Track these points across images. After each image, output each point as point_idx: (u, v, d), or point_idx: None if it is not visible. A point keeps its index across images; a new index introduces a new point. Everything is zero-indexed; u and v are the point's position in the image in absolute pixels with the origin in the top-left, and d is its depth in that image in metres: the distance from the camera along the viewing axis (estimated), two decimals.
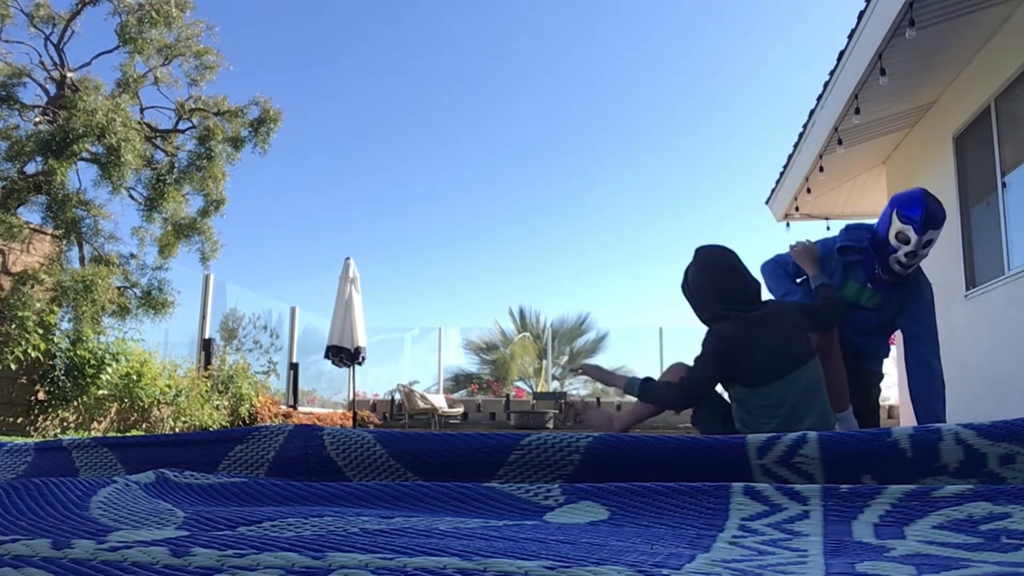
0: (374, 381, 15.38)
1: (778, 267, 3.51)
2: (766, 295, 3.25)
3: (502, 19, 26.32)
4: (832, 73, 6.63)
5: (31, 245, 7.29)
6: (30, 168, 7.53)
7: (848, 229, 3.37)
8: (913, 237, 3.06)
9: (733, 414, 2.87)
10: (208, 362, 8.95)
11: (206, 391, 8.38)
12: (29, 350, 6.51)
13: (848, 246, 3.25)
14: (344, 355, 9.36)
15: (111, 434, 7.12)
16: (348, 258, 9.83)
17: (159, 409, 7.99)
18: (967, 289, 6.57)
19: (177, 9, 8.28)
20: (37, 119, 7.78)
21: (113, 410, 7.55)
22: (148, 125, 8.75)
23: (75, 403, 7.06)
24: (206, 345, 9.14)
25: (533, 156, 27.64)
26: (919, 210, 3.08)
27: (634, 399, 3.03)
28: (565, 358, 16.22)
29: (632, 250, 27.20)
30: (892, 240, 3.09)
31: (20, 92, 7.82)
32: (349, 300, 9.46)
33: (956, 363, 6.91)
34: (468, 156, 27.05)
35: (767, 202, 9.85)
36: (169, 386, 7.89)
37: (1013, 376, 5.72)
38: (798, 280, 3.49)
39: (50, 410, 6.93)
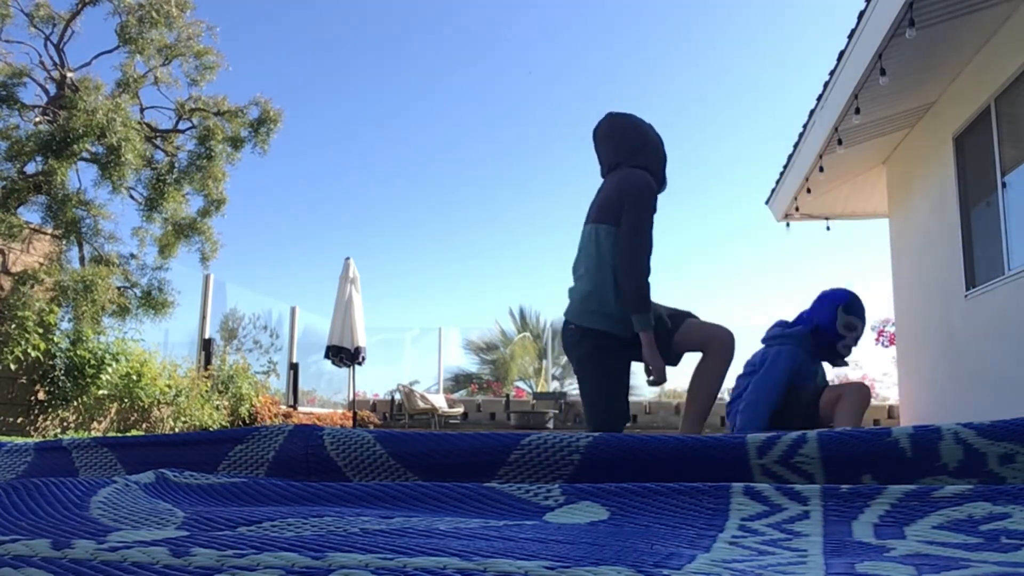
0: (374, 381, 15.38)
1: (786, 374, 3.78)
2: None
3: (504, 14, 26.32)
4: (832, 73, 6.63)
5: (31, 245, 7.29)
6: (30, 168, 7.53)
7: (789, 336, 3.85)
8: (860, 326, 3.84)
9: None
10: (208, 362, 8.95)
11: (206, 391, 8.38)
12: (29, 350, 6.50)
13: (808, 332, 3.85)
14: (344, 355, 9.37)
15: (111, 434, 7.12)
16: (348, 258, 9.84)
17: (159, 409, 7.99)
18: (967, 289, 6.57)
19: (177, 9, 8.28)
20: (37, 119, 7.78)
21: (113, 410, 7.55)
22: (148, 125, 8.75)
23: (75, 403, 7.05)
24: (206, 345, 9.13)
25: (534, 155, 27.65)
26: (861, 307, 3.85)
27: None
28: (565, 358, 16.22)
29: None
30: (840, 330, 3.78)
31: (20, 92, 7.83)
32: (349, 300, 9.46)
33: (956, 363, 6.91)
34: (469, 156, 27.05)
35: (767, 202, 9.86)
36: (169, 386, 7.89)
37: (1013, 376, 5.73)
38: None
39: (50, 410, 6.93)
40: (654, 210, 2.93)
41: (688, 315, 3.08)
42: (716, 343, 2.96)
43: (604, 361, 2.94)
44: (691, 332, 2.99)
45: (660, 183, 3.09)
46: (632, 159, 3.06)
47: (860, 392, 3.68)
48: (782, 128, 30.16)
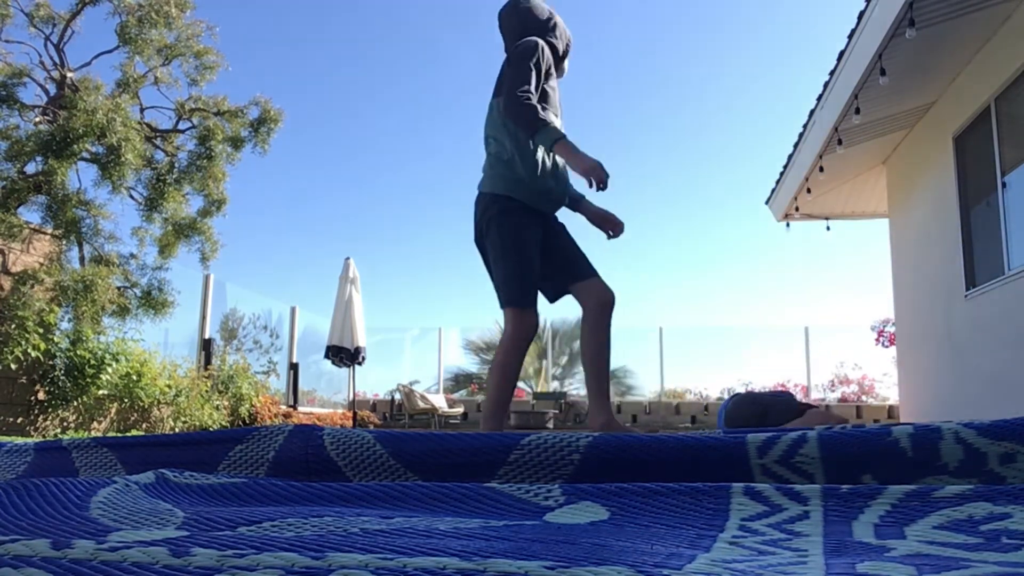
0: (374, 381, 15.38)
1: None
2: None
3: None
4: (832, 73, 6.63)
5: (31, 245, 7.29)
6: (30, 168, 7.53)
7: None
8: None
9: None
10: (208, 362, 8.95)
11: (206, 391, 8.38)
12: (29, 350, 6.51)
13: None
14: (344, 355, 9.37)
15: (111, 434, 7.12)
16: (348, 258, 9.84)
17: (159, 409, 7.99)
18: (967, 289, 6.57)
19: (177, 9, 8.28)
20: (37, 119, 7.78)
21: (113, 410, 7.55)
22: (148, 125, 8.75)
23: (75, 403, 7.05)
24: (206, 345, 9.14)
25: None
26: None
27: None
28: (565, 358, 16.21)
29: (632, 250, 27.19)
30: None
31: (20, 92, 7.83)
32: (349, 300, 9.46)
33: (956, 363, 6.91)
34: (469, 155, 27.07)
35: (767, 202, 9.86)
36: (169, 386, 7.89)
37: (1013, 376, 5.73)
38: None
39: (50, 410, 6.93)
40: (538, 58, 2.88)
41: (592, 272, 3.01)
42: (593, 300, 2.92)
43: (510, 225, 2.83)
44: (595, 279, 2.98)
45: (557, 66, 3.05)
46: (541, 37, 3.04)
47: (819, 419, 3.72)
48: (782, 128, 30.14)
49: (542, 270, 2.91)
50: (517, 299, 2.83)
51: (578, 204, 3.16)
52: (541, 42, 2.94)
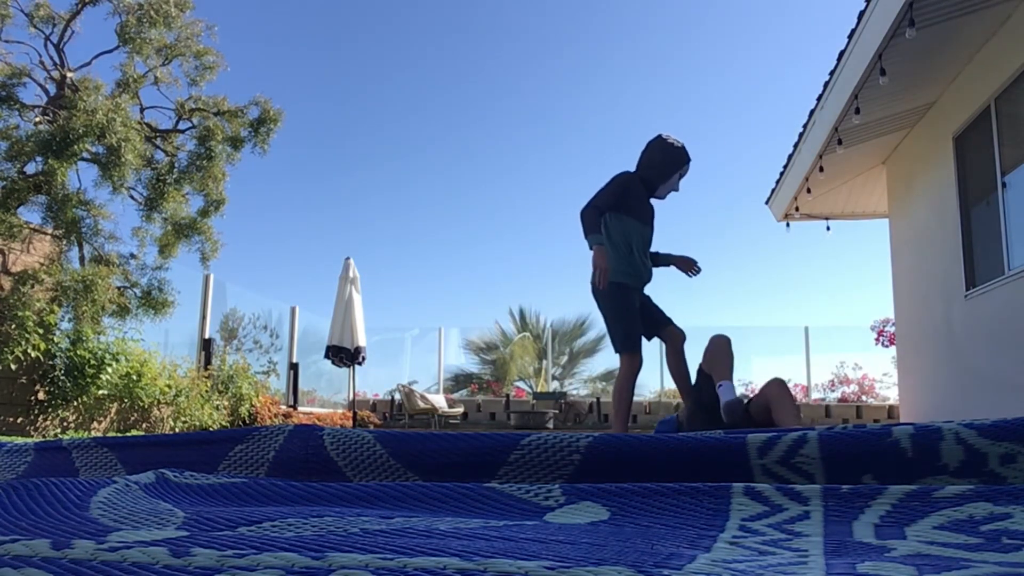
0: (374, 381, 15.36)
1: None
2: None
3: (504, 18, 26.33)
4: (832, 73, 6.63)
5: (31, 245, 7.29)
6: (30, 168, 7.52)
7: None
8: None
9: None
10: (208, 362, 8.95)
11: (206, 391, 8.38)
12: (29, 350, 6.50)
13: None
14: (344, 355, 9.37)
15: (111, 434, 7.12)
16: (348, 258, 9.84)
17: (159, 409, 7.99)
18: (967, 289, 6.57)
19: (176, 9, 8.27)
20: (37, 119, 7.78)
21: (113, 410, 7.55)
22: (148, 125, 8.75)
23: (75, 403, 7.05)
24: (206, 345, 9.13)
25: (534, 156, 27.66)
26: None
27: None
28: (565, 358, 16.21)
29: None
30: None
31: (20, 92, 7.82)
32: (349, 300, 9.46)
33: (956, 362, 6.92)
34: (469, 156, 27.06)
35: (767, 202, 9.86)
36: (169, 386, 7.89)
37: (1013, 376, 5.72)
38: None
39: (50, 410, 6.93)
40: (615, 195, 4.23)
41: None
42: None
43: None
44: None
45: (650, 189, 4.44)
46: (638, 170, 4.41)
47: (778, 388, 3.66)
48: (782, 128, 30.13)
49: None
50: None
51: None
52: (624, 179, 4.32)
